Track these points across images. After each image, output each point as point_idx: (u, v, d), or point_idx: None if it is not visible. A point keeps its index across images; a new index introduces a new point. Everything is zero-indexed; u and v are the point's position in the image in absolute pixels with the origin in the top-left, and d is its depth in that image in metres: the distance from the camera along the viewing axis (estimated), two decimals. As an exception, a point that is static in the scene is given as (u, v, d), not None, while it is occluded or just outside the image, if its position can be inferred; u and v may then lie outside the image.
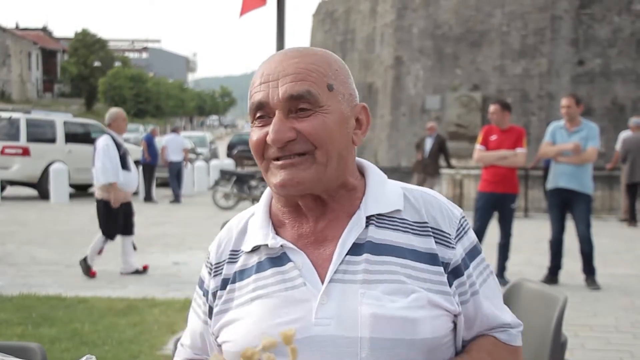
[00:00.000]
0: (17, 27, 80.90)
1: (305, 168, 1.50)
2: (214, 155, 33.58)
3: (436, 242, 1.56)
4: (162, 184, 22.76)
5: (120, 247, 9.35)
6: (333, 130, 1.52)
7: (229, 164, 27.08)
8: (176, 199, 19.75)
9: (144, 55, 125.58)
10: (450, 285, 1.55)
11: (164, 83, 78.32)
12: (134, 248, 9.53)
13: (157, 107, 71.78)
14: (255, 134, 1.55)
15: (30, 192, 20.44)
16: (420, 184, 14.09)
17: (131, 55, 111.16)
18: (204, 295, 1.71)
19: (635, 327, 6.82)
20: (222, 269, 1.67)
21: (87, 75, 72.47)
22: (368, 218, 1.56)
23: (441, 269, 1.54)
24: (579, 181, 8.41)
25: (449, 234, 1.57)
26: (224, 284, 1.65)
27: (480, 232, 8.53)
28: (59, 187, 18.72)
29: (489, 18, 25.57)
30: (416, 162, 16.10)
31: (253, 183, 18.72)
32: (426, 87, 25.51)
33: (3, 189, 19.25)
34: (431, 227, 1.57)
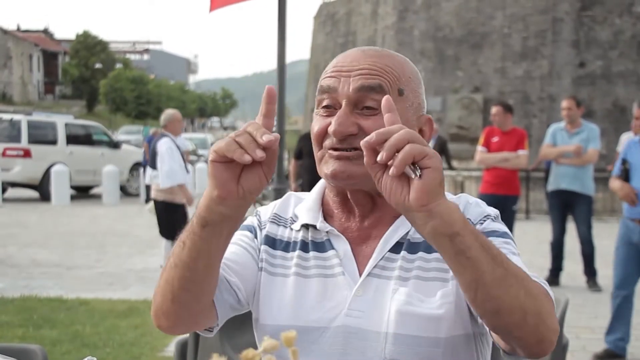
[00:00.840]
0: (18, 29, 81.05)
1: (359, 163, 1.48)
2: (215, 157, 33.62)
3: None
4: (163, 185, 22.73)
5: (165, 250, 9.32)
6: None
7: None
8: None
9: (145, 57, 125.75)
10: None
11: (165, 85, 78.45)
12: None
13: (158, 109, 71.71)
14: (317, 123, 1.57)
15: (32, 194, 20.44)
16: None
17: (132, 57, 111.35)
18: (254, 236, 1.70)
19: (637, 329, 6.80)
20: (266, 225, 1.70)
21: (88, 77, 72.60)
22: None
23: None
24: (580, 183, 8.41)
25: (473, 221, 1.57)
26: (268, 241, 1.67)
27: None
28: (60, 188, 18.72)
29: (490, 20, 25.59)
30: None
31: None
32: (427, 88, 25.42)
33: (4, 190, 19.25)
34: None
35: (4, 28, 68.78)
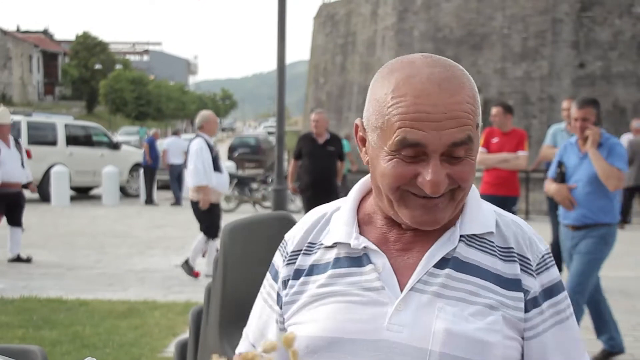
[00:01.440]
0: (18, 30, 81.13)
1: (444, 207, 1.47)
2: (215, 157, 33.61)
3: (521, 268, 1.53)
4: (163, 186, 22.78)
5: (206, 249, 9.36)
6: (475, 168, 1.50)
7: (230, 166, 27.09)
8: (177, 201, 19.77)
9: (145, 57, 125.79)
10: (526, 313, 1.52)
11: (165, 86, 78.44)
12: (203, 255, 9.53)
13: (158, 109, 71.88)
14: (399, 168, 1.46)
15: (31, 195, 20.45)
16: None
17: (132, 57, 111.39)
18: (275, 282, 1.68)
19: (637, 330, 6.81)
20: (296, 258, 1.64)
21: (88, 78, 72.63)
22: (461, 236, 1.54)
23: (522, 295, 1.51)
24: (580, 184, 8.41)
25: (532, 262, 1.55)
26: (297, 275, 1.62)
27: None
28: (60, 189, 18.74)
29: (490, 21, 25.60)
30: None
31: (254, 186, 18.72)
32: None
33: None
34: (517, 253, 1.55)
35: (3, 29, 68.83)
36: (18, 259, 10.11)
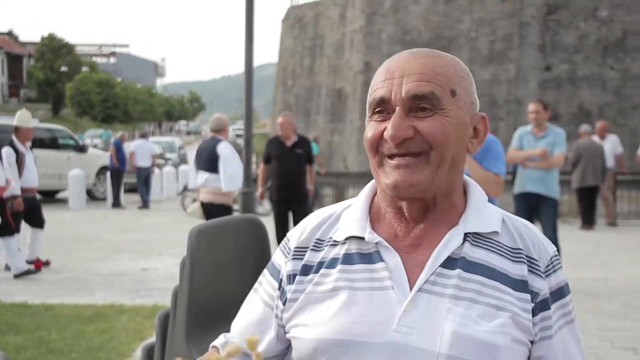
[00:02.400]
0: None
1: (419, 170, 1.49)
2: (183, 160, 33.41)
3: (529, 270, 1.54)
4: (131, 189, 22.64)
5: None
6: (451, 133, 1.50)
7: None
8: (144, 204, 19.64)
9: (112, 60, 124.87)
10: (534, 316, 1.52)
11: (132, 88, 77.88)
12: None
13: (125, 112, 71.34)
14: (371, 129, 1.54)
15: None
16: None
17: (99, 60, 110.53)
18: (275, 280, 1.66)
19: (602, 330, 6.89)
20: (304, 254, 1.63)
21: (54, 80, 71.90)
22: (465, 235, 1.54)
23: (529, 296, 1.52)
24: (546, 186, 8.50)
25: (540, 265, 1.55)
26: (305, 271, 1.61)
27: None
28: (25, 193, 18.52)
29: (458, 24, 25.77)
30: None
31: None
32: (395, 92, 25.65)
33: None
34: (525, 255, 1.55)
35: (-33, 30, 67.97)
36: (33, 268, 9.82)
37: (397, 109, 1.49)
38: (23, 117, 9.85)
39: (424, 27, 26.25)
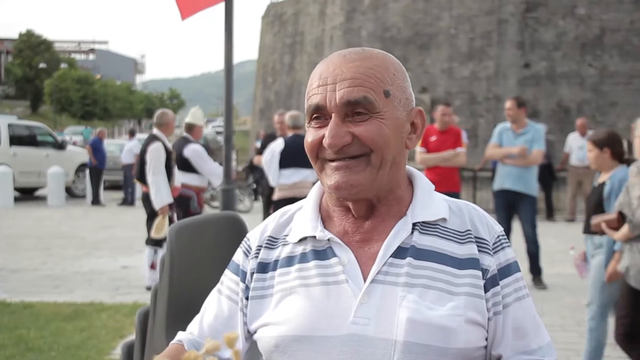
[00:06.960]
0: (-41, 28, 79.30)
1: (359, 170, 1.52)
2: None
3: (479, 249, 1.58)
4: (110, 187, 22.52)
5: None
6: (388, 135, 1.53)
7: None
8: (130, 202, 19.50)
9: (91, 56, 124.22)
10: (486, 292, 1.56)
11: (112, 85, 77.53)
12: None
13: (104, 109, 71.00)
14: (311, 135, 1.56)
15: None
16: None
17: (78, 56, 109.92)
18: (237, 276, 1.70)
19: (581, 326, 6.93)
20: (258, 252, 1.68)
21: (32, 77, 71.40)
22: (414, 224, 1.58)
23: (480, 273, 1.55)
24: (525, 183, 8.55)
25: (489, 242, 1.60)
26: (262, 268, 1.66)
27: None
28: (3, 190, 18.38)
29: (437, 21, 25.84)
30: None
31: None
32: (375, 89, 25.72)
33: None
34: (474, 235, 1.60)
35: (-56, 27, 67.32)
36: None
37: (333, 116, 1.52)
38: (197, 115, 9.57)
39: (404, 24, 26.30)
